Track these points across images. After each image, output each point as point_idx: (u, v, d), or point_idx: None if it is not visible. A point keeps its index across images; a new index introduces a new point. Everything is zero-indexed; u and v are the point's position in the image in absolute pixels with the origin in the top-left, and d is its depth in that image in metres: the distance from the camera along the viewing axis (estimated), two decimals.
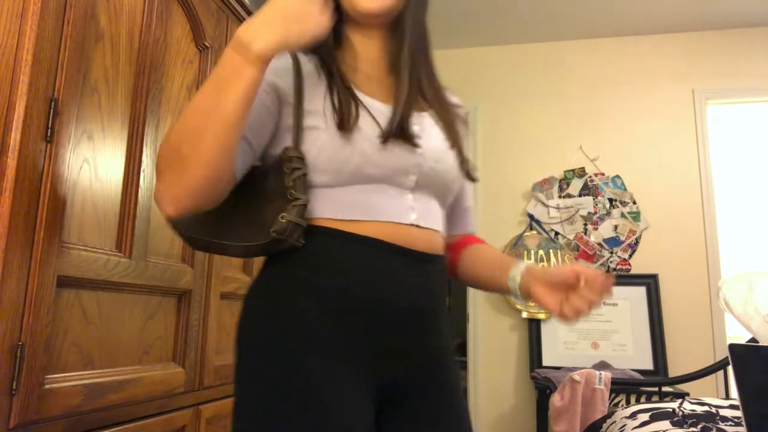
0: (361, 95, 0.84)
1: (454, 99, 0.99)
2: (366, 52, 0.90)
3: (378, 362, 0.80)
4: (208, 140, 0.70)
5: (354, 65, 0.89)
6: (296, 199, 0.78)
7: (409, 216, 0.83)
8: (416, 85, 0.88)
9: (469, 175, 0.93)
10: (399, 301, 0.80)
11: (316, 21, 0.74)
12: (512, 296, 0.88)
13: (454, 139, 0.90)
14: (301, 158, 0.79)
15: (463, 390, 4.39)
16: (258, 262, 1.80)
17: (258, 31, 0.70)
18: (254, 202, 0.81)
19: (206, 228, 0.82)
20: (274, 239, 0.77)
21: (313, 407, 0.73)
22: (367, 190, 0.81)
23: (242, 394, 0.77)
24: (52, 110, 0.98)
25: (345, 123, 0.79)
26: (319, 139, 0.79)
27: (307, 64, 0.86)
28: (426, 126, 0.88)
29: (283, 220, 0.77)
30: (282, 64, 0.83)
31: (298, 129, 0.81)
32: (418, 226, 0.84)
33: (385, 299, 0.79)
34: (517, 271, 0.88)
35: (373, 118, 0.81)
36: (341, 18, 0.88)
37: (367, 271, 0.79)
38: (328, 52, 0.86)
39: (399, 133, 0.81)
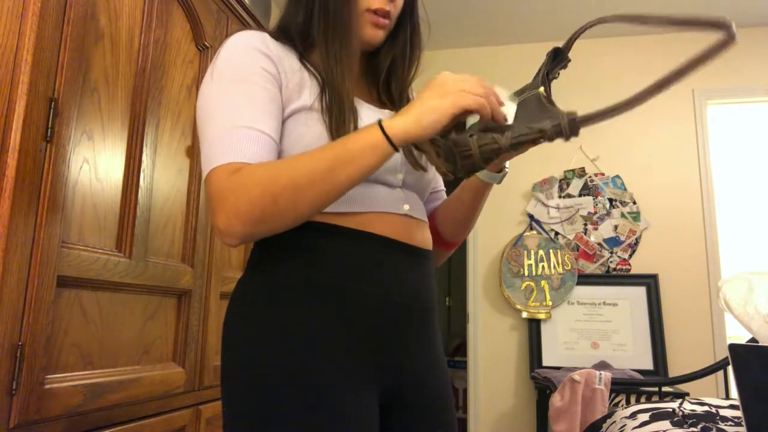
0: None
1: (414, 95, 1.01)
2: None
3: (381, 365, 0.80)
4: (310, 204, 0.70)
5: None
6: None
7: (402, 206, 0.84)
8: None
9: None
10: (396, 298, 0.80)
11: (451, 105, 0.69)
12: (486, 180, 0.95)
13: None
14: None
15: (463, 390, 4.29)
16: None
17: (406, 126, 0.69)
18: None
19: None
20: None
21: (317, 405, 0.72)
22: (358, 186, 0.80)
23: (239, 393, 0.75)
24: (52, 110, 0.98)
25: (340, 125, 0.78)
26: (310, 132, 0.78)
27: (289, 55, 0.84)
28: None
29: None
30: (272, 49, 0.81)
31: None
32: (411, 216, 0.85)
33: (382, 296, 0.79)
34: None
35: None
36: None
37: (365, 267, 0.78)
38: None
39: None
